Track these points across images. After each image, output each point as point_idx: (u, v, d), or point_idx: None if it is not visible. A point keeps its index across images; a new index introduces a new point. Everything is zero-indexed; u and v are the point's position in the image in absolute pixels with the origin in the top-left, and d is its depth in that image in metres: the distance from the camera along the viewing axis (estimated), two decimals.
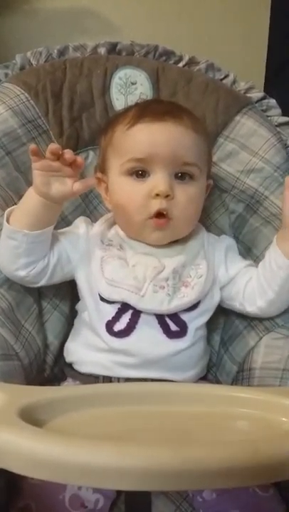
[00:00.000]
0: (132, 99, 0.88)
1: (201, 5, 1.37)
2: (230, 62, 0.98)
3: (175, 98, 0.87)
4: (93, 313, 0.77)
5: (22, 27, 1.30)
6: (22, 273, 0.76)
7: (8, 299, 0.78)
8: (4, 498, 0.65)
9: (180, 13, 1.36)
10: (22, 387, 0.66)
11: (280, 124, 0.88)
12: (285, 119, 0.89)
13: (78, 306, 0.84)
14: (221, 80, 0.90)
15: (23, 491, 0.65)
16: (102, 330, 0.76)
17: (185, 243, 0.82)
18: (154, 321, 0.76)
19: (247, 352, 0.82)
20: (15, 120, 0.82)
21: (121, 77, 0.88)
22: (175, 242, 0.81)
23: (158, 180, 0.75)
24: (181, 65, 0.90)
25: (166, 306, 0.75)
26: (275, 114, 0.89)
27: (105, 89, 0.88)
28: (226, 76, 0.90)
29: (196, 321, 0.78)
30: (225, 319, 0.88)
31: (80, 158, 0.72)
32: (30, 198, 0.74)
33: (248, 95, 0.89)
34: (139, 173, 0.76)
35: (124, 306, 0.76)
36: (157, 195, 0.74)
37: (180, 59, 0.90)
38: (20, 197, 0.78)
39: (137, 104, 0.84)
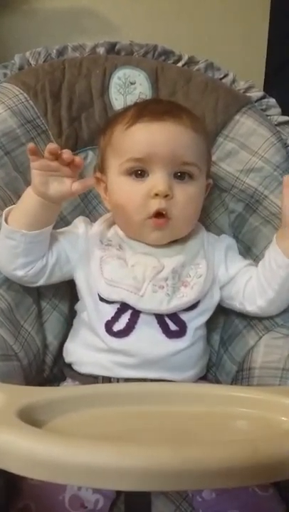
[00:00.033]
0: (131, 99, 0.88)
1: (201, 5, 1.37)
2: (229, 61, 0.98)
3: (174, 98, 0.87)
4: (92, 313, 0.77)
5: (21, 27, 1.30)
6: (20, 273, 0.76)
7: (8, 299, 0.78)
8: (4, 498, 0.65)
9: (179, 12, 1.36)
10: (21, 387, 0.66)
11: (280, 123, 0.88)
12: (284, 118, 0.89)
13: (77, 306, 0.83)
14: (221, 79, 0.90)
15: (22, 492, 0.65)
16: (102, 330, 0.76)
17: (184, 243, 0.82)
18: (154, 321, 0.76)
19: (246, 351, 0.82)
20: (14, 120, 0.82)
21: (120, 76, 0.88)
22: (174, 242, 0.81)
23: (157, 179, 0.75)
24: (180, 64, 0.90)
25: (166, 306, 0.75)
26: (275, 114, 0.89)
27: (104, 89, 0.88)
28: (226, 75, 0.90)
29: (195, 321, 0.78)
30: (224, 319, 0.88)
31: (78, 158, 0.72)
32: (29, 198, 0.74)
33: (248, 94, 0.89)
34: (138, 172, 0.76)
35: (124, 306, 0.76)
36: (156, 194, 0.74)
37: (179, 58, 0.90)
38: (19, 197, 0.78)
39: (136, 104, 0.84)
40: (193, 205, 0.79)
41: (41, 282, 0.79)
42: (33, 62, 0.87)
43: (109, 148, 0.79)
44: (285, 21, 1.29)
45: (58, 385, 0.83)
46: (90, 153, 0.88)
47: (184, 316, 0.77)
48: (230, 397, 0.56)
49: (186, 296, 0.77)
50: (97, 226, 0.83)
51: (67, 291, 0.86)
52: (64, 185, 0.73)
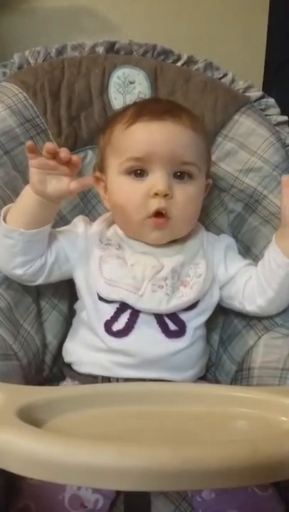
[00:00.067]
0: (131, 99, 0.87)
1: (201, 4, 1.37)
2: (229, 61, 0.98)
3: (173, 97, 0.87)
4: (92, 312, 0.77)
5: (20, 26, 1.30)
6: (19, 271, 0.76)
7: (7, 298, 0.78)
8: (4, 498, 0.65)
9: (179, 12, 1.36)
10: (21, 387, 0.65)
11: (279, 123, 0.88)
12: (283, 118, 0.89)
13: (76, 306, 0.83)
14: (220, 78, 0.90)
15: (22, 492, 0.65)
16: (101, 329, 0.76)
17: (184, 242, 0.82)
18: (153, 321, 0.76)
19: (246, 351, 0.82)
20: (13, 119, 0.82)
21: (119, 76, 0.88)
22: (174, 242, 0.81)
23: (157, 179, 0.75)
24: (179, 64, 0.90)
25: (165, 306, 0.75)
26: (274, 113, 0.89)
27: (104, 89, 0.88)
28: (225, 75, 0.90)
29: (195, 321, 0.78)
30: (224, 319, 0.88)
31: (75, 157, 0.72)
32: (27, 196, 0.74)
33: (247, 94, 0.89)
34: (138, 172, 0.76)
35: (123, 306, 0.76)
36: (156, 194, 0.74)
37: (178, 58, 0.90)
38: (18, 196, 0.78)
39: (135, 103, 0.84)
40: (192, 205, 0.79)
41: (40, 281, 0.79)
42: (32, 62, 0.86)
43: (108, 148, 0.79)
44: (284, 21, 1.29)
45: (58, 385, 0.82)
46: (90, 153, 0.88)
47: (183, 316, 0.77)
48: (229, 397, 0.56)
49: (185, 295, 0.77)
50: (97, 225, 0.83)
51: (67, 290, 0.86)
52: (62, 184, 0.72)
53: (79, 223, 0.82)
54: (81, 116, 0.87)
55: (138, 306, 0.75)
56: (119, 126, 0.78)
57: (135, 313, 0.75)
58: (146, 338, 0.75)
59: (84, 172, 0.86)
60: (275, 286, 0.77)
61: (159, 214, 0.75)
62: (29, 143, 0.71)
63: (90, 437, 0.43)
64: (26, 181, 0.79)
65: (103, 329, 0.76)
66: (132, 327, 0.75)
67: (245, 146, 0.86)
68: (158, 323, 0.76)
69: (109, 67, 0.87)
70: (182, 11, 1.36)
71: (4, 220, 0.75)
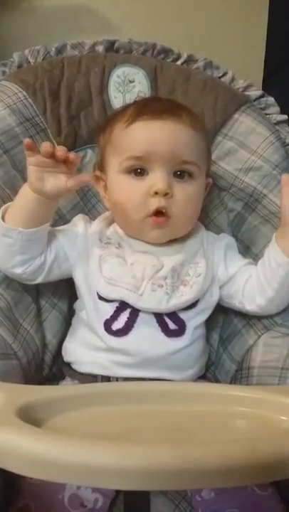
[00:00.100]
0: (130, 97, 0.87)
1: (201, 4, 1.37)
2: (229, 61, 0.98)
3: (173, 96, 0.87)
4: (91, 311, 0.77)
5: (20, 25, 1.29)
6: (18, 270, 0.76)
7: (7, 298, 0.78)
8: (3, 498, 0.65)
9: (179, 12, 1.36)
10: (20, 386, 0.65)
11: (279, 122, 0.88)
12: (283, 117, 0.89)
13: (76, 305, 0.83)
14: (220, 77, 0.90)
15: (22, 491, 0.65)
16: (101, 329, 0.76)
17: (184, 242, 0.81)
18: (153, 320, 0.76)
19: (246, 351, 0.81)
20: (13, 118, 0.82)
21: (119, 75, 0.88)
22: (174, 241, 0.81)
23: (157, 178, 0.75)
24: (179, 62, 0.90)
25: (165, 305, 0.75)
26: (274, 112, 0.89)
27: (103, 88, 0.87)
28: (225, 74, 0.90)
29: (194, 320, 0.78)
30: (224, 318, 0.88)
31: (72, 155, 0.72)
32: (25, 195, 0.74)
33: (247, 93, 0.89)
34: (138, 171, 0.76)
35: (123, 305, 0.76)
36: (156, 193, 0.74)
37: (178, 57, 0.90)
38: None
39: (135, 102, 0.84)
40: (192, 204, 0.79)
41: (40, 280, 0.79)
42: (32, 60, 0.86)
43: (108, 147, 0.79)
44: (284, 21, 1.30)
45: (57, 384, 0.82)
46: (89, 152, 0.88)
47: (183, 315, 0.77)
48: (229, 396, 0.56)
49: (185, 295, 0.77)
50: (97, 224, 0.83)
51: (67, 289, 0.86)
52: (60, 181, 0.72)
53: (79, 222, 0.82)
54: (81, 115, 0.87)
55: (138, 305, 0.75)
56: (119, 125, 0.78)
57: (135, 313, 0.75)
58: (146, 337, 0.75)
59: (84, 171, 0.86)
60: (275, 286, 0.77)
61: (159, 213, 0.75)
62: (27, 140, 0.71)
63: (89, 437, 0.43)
64: (26, 180, 0.78)
65: (103, 328, 0.76)
66: (132, 326, 0.75)
67: (245, 145, 0.86)
68: (158, 322, 0.76)
69: (109, 66, 0.87)
70: (182, 11, 1.36)
71: (3, 218, 0.74)
